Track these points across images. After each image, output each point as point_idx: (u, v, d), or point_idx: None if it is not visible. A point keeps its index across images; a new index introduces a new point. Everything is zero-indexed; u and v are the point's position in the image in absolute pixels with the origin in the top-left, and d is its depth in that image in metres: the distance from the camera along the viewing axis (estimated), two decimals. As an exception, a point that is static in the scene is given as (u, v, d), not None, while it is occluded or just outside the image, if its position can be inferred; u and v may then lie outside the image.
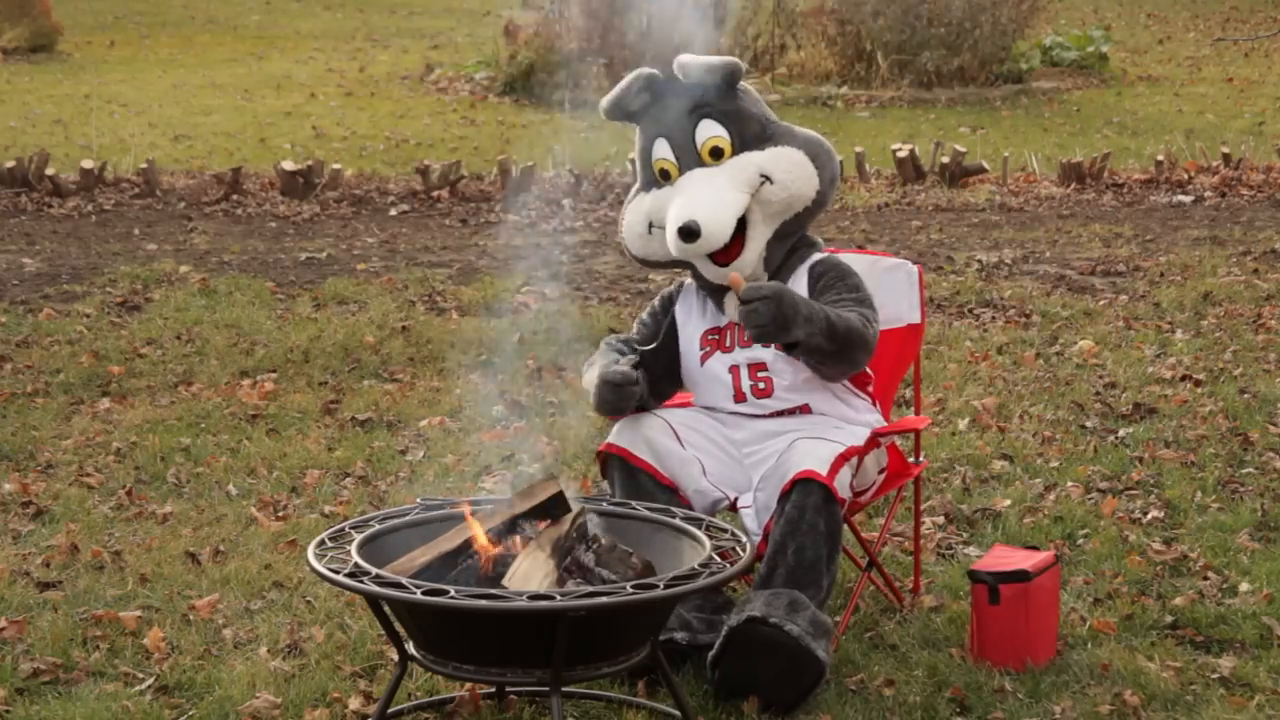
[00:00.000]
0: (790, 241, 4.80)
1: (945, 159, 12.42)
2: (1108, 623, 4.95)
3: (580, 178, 12.12)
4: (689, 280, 4.96)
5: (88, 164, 11.90)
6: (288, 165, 11.91)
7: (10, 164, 11.89)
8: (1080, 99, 17.16)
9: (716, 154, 4.75)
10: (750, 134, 4.76)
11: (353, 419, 6.97)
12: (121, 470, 6.37)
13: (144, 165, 12.03)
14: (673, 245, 4.73)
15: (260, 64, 19.50)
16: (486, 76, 17.68)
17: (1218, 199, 12.04)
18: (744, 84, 4.83)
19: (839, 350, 4.59)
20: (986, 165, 12.54)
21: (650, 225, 4.84)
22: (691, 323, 4.88)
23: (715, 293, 4.85)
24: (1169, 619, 5.00)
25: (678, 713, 4.25)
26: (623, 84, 4.82)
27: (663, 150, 4.79)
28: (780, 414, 4.78)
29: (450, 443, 6.63)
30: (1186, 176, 12.51)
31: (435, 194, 11.83)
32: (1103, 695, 4.52)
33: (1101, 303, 8.97)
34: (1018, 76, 17.57)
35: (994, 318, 8.68)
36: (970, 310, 8.85)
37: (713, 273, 4.78)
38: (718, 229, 4.66)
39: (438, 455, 6.50)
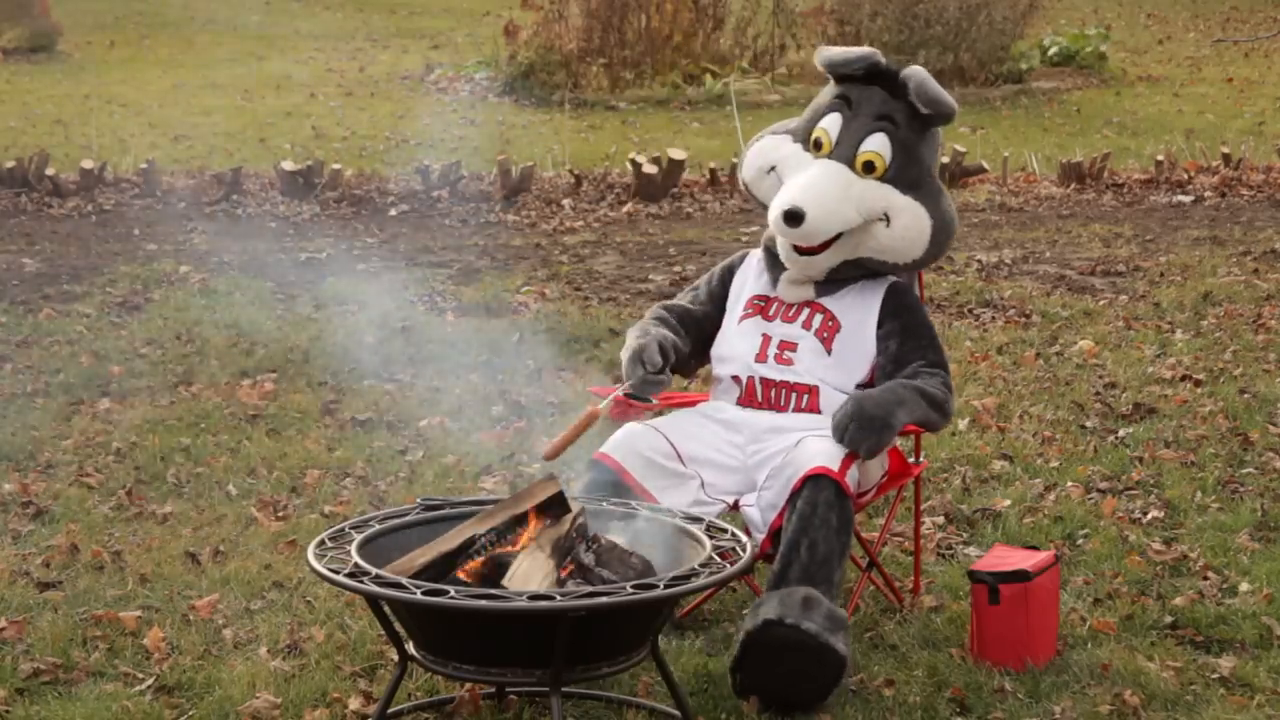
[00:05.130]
0: (865, 270, 4.87)
1: (945, 159, 12.42)
2: (1108, 623, 4.95)
3: (580, 178, 12.11)
4: (755, 251, 5.02)
5: (88, 164, 11.89)
6: (288, 165, 11.91)
7: (10, 164, 11.88)
8: (1080, 99, 17.15)
9: (868, 168, 4.80)
10: (908, 174, 4.82)
11: (353, 419, 6.97)
12: (121, 470, 6.37)
13: (144, 165, 12.02)
14: (772, 218, 4.80)
15: (260, 64, 19.49)
16: (486, 76, 17.67)
17: (1218, 199, 12.04)
18: (939, 131, 4.89)
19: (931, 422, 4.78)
20: (986, 165, 12.55)
21: (772, 168, 4.90)
22: (746, 288, 4.98)
23: (774, 264, 4.93)
24: (1169, 619, 5.00)
25: (678, 713, 4.25)
26: (853, 51, 4.86)
27: (831, 124, 4.86)
28: (792, 389, 4.80)
29: (450, 443, 6.63)
30: (1186, 176, 12.51)
31: (435, 194, 11.82)
32: (1103, 695, 4.52)
33: (1101, 303, 8.97)
34: (1017, 76, 17.56)
35: (994, 318, 8.68)
36: (970, 310, 8.85)
37: (786, 253, 4.86)
38: (818, 230, 4.74)
39: (438, 455, 6.50)
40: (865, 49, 4.87)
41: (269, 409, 7.08)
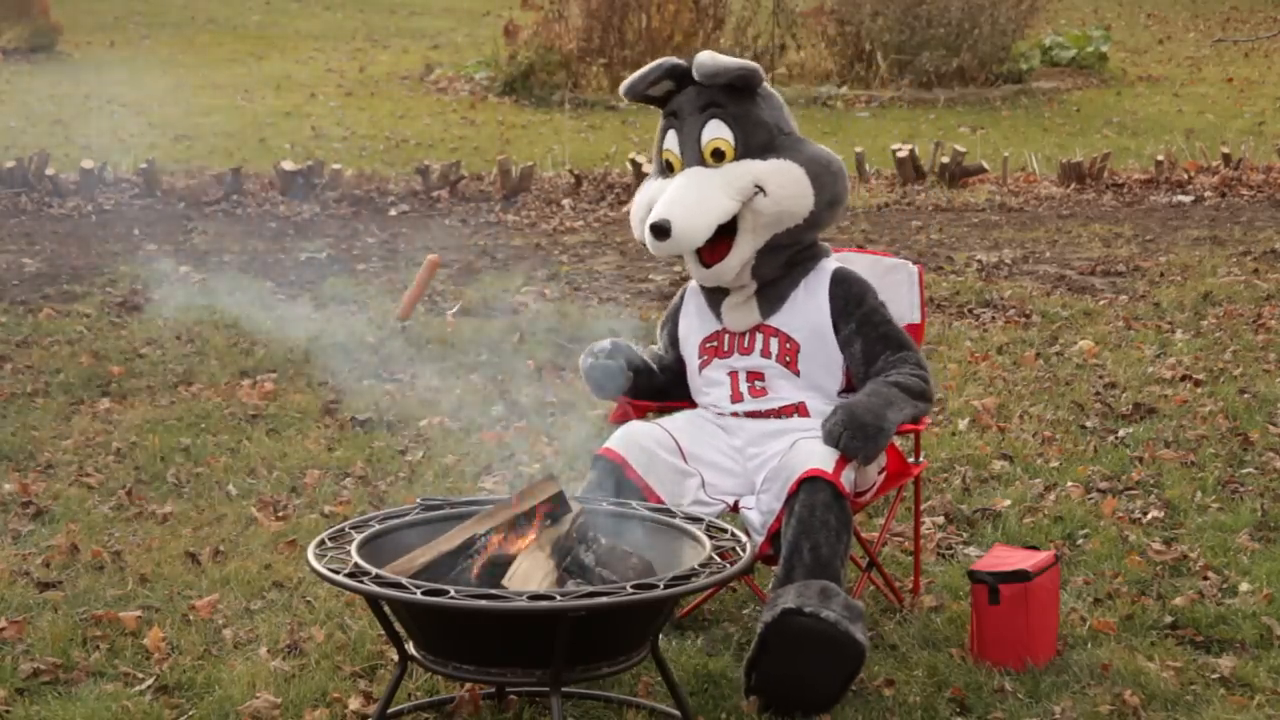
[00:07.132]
0: (786, 254, 4.81)
1: (945, 159, 12.42)
2: (1108, 623, 4.95)
3: (580, 178, 12.11)
4: (691, 283, 4.99)
5: (88, 164, 11.90)
6: (288, 165, 11.91)
7: (10, 164, 11.89)
8: (1080, 99, 17.16)
9: (718, 156, 4.77)
10: (756, 142, 4.77)
11: (353, 419, 6.97)
12: (121, 470, 6.37)
13: (144, 165, 12.03)
14: (647, 241, 4.76)
15: (260, 64, 19.49)
16: (486, 76, 17.67)
17: (1218, 199, 12.04)
18: (768, 88, 4.86)
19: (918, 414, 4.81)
20: (986, 165, 12.55)
21: (650, 211, 4.85)
22: (693, 333, 4.94)
23: (711, 295, 4.89)
24: (1169, 619, 5.00)
25: (677, 713, 4.25)
26: (646, 69, 4.84)
27: (671, 142, 4.83)
28: (779, 413, 4.79)
29: (450, 443, 6.63)
30: (1186, 176, 12.51)
31: (435, 194, 11.82)
32: (1103, 695, 4.52)
33: (1101, 303, 8.97)
34: (1018, 77, 17.57)
35: (994, 318, 8.68)
36: (970, 310, 8.85)
37: (699, 274, 4.84)
38: (690, 232, 4.68)
39: (438, 455, 6.50)
40: (658, 61, 4.87)
41: (269, 409, 7.09)
